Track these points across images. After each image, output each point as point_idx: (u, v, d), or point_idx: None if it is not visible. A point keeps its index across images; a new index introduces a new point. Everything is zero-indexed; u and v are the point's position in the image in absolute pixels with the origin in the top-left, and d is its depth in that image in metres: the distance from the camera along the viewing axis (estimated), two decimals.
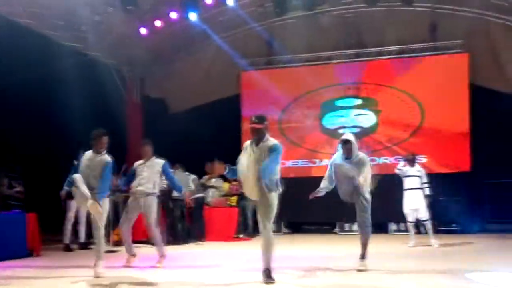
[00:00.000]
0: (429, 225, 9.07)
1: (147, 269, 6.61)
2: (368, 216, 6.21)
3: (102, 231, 6.04)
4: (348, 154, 6.20)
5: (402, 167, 9.17)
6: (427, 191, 9.06)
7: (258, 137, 5.36)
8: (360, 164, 6.15)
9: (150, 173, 7.02)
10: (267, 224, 5.25)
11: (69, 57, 12.12)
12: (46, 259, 7.80)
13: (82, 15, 11.15)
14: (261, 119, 5.41)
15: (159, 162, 7.11)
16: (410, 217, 9.13)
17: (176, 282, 5.57)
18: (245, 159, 5.33)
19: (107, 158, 6.18)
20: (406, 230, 11.97)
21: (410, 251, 8.45)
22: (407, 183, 9.05)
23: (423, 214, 9.01)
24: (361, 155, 6.29)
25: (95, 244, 6.00)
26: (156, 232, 6.99)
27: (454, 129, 12.28)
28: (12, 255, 7.45)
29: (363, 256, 6.25)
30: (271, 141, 5.42)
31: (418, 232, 11.68)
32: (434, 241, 8.91)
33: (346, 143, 6.21)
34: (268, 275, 5.21)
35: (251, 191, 5.31)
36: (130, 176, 7.14)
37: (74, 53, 12.16)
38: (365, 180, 6.22)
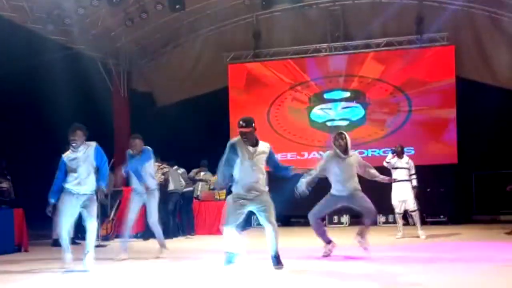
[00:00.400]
0: (417, 216, 9.11)
1: (137, 262, 6.61)
2: (370, 203, 6.46)
3: (96, 225, 6.10)
4: (342, 148, 6.36)
5: (390, 159, 9.19)
6: (415, 183, 9.11)
7: (250, 140, 5.46)
8: (354, 164, 6.45)
9: (146, 167, 7.10)
10: (272, 219, 5.46)
11: (53, 50, 11.99)
12: (34, 254, 7.73)
13: (66, 8, 11.02)
14: (248, 122, 5.46)
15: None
16: (398, 209, 9.17)
17: (169, 274, 5.55)
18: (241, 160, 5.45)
19: (92, 144, 6.08)
20: (395, 222, 12.10)
21: (397, 242, 8.51)
22: (396, 175, 9.01)
23: (411, 205, 9.05)
24: (355, 153, 6.64)
25: (88, 237, 5.95)
26: (158, 226, 7.14)
27: (441, 121, 12.38)
28: (0, 251, 7.38)
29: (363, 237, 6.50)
30: (265, 144, 5.58)
31: (406, 223, 11.78)
32: (422, 232, 8.94)
33: (340, 134, 6.46)
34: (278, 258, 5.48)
35: (247, 192, 5.45)
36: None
37: (59, 46, 12.02)
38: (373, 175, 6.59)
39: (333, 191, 6.55)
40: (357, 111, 13.06)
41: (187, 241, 9.75)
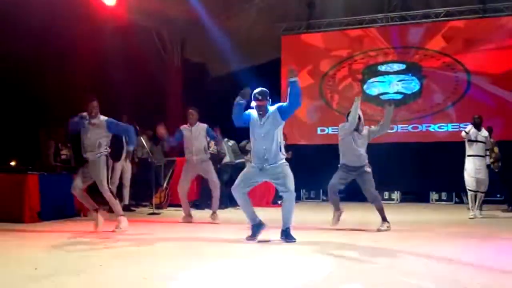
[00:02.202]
0: (482, 197, 8.46)
1: (192, 225, 6.83)
2: (374, 189, 6.58)
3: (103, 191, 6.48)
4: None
5: (470, 130, 8.30)
6: (488, 160, 8.39)
7: (263, 111, 5.50)
8: (365, 135, 6.61)
9: (198, 140, 7.50)
10: (290, 187, 5.44)
11: (109, 20, 12.16)
12: (93, 219, 8.03)
13: None
14: (264, 95, 5.49)
15: (203, 127, 7.56)
16: (471, 185, 8.35)
17: (213, 238, 5.65)
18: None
19: (104, 118, 6.46)
20: (447, 200, 11.80)
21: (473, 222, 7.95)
22: (472, 148, 8.30)
23: (483, 187, 8.32)
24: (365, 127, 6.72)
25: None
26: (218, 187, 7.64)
27: (502, 95, 11.85)
28: (62, 215, 7.76)
29: (384, 219, 6.57)
30: (272, 108, 5.58)
31: (460, 201, 11.48)
32: (478, 212, 8.38)
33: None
34: (288, 234, 5.47)
35: (260, 161, 5.53)
36: (178, 135, 7.63)
37: (114, 16, 12.18)
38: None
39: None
40: (412, 84, 12.68)
41: (235, 212, 9.86)
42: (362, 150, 6.61)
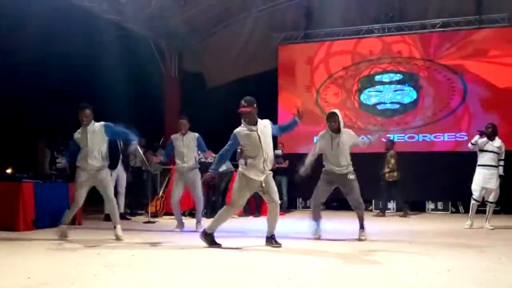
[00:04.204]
0: (492, 208, 8.26)
1: (187, 233, 6.85)
2: (359, 196, 6.42)
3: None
4: (333, 128, 6.40)
5: (477, 141, 8.06)
6: (501, 171, 8.06)
7: (250, 119, 5.58)
8: (347, 141, 6.45)
9: (189, 148, 7.52)
10: (276, 198, 5.72)
11: (108, 30, 12.22)
12: (87, 228, 8.02)
13: None
14: (250, 102, 5.57)
15: (194, 136, 7.59)
16: (477, 195, 8.15)
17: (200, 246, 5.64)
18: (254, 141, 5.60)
19: (101, 123, 6.44)
20: (444, 210, 11.80)
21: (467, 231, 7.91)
22: (483, 158, 8.05)
23: (492, 197, 8.10)
24: (347, 131, 6.59)
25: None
26: (201, 201, 7.74)
27: (499, 105, 11.87)
28: (57, 224, 7.68)
29: (362, 227, 6.49)
30: (265, 120, 5.71)
31: (457, 211, 11.48)
32: (489, 224, 8.12)
33: (332, 116, 6.43)
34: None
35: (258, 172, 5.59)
36: (169, 149, 7.64)
37: (113, 26, 12.25)
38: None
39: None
40: (409, 94, 12.72)
41: (233, 221, 9.82)
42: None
